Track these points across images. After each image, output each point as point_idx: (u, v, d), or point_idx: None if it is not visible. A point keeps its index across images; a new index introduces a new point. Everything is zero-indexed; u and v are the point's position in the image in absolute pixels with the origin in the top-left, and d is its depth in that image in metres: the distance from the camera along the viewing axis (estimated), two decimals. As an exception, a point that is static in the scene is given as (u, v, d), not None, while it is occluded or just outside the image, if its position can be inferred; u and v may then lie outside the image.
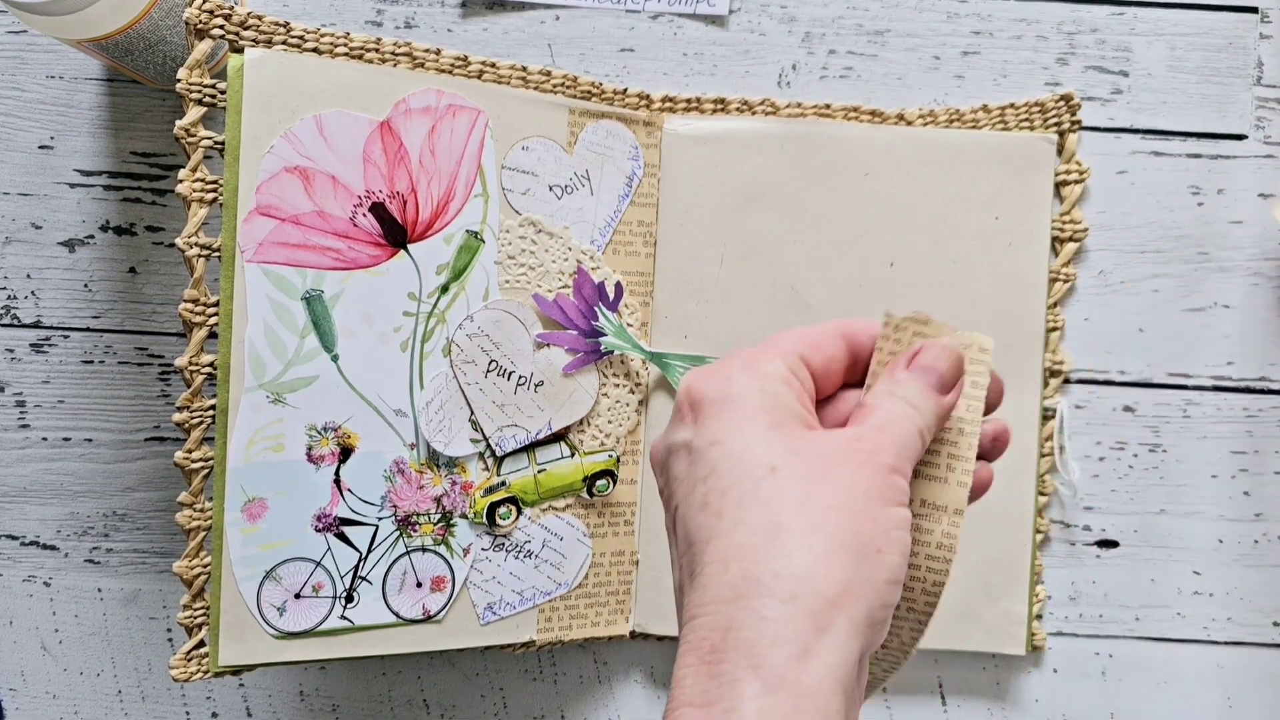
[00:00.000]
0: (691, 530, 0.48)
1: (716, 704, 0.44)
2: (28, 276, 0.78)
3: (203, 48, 0.64)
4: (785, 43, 0.78)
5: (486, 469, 0.71)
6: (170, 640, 0.79)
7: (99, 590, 0.79)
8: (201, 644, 0.67)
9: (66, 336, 0.78)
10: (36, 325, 0.78)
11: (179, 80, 0.64)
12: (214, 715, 0.80)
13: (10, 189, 0.78)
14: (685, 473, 0.50)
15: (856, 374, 0.53)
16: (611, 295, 0.73)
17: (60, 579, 0.79)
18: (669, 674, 0.79)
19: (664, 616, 0.77)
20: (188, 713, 0.80)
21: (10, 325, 0.78)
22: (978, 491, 0.54)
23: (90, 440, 0.78)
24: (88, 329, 0.78)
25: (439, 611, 0.70)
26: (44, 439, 0.78)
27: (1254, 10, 0.77)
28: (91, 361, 0.78)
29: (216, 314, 0.65)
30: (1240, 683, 0.79)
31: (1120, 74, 0.78)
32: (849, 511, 0.47)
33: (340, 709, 0.80)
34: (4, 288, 0.78)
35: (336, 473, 0.67)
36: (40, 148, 0.78)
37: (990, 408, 0.53)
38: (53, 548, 0.79)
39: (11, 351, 0.78)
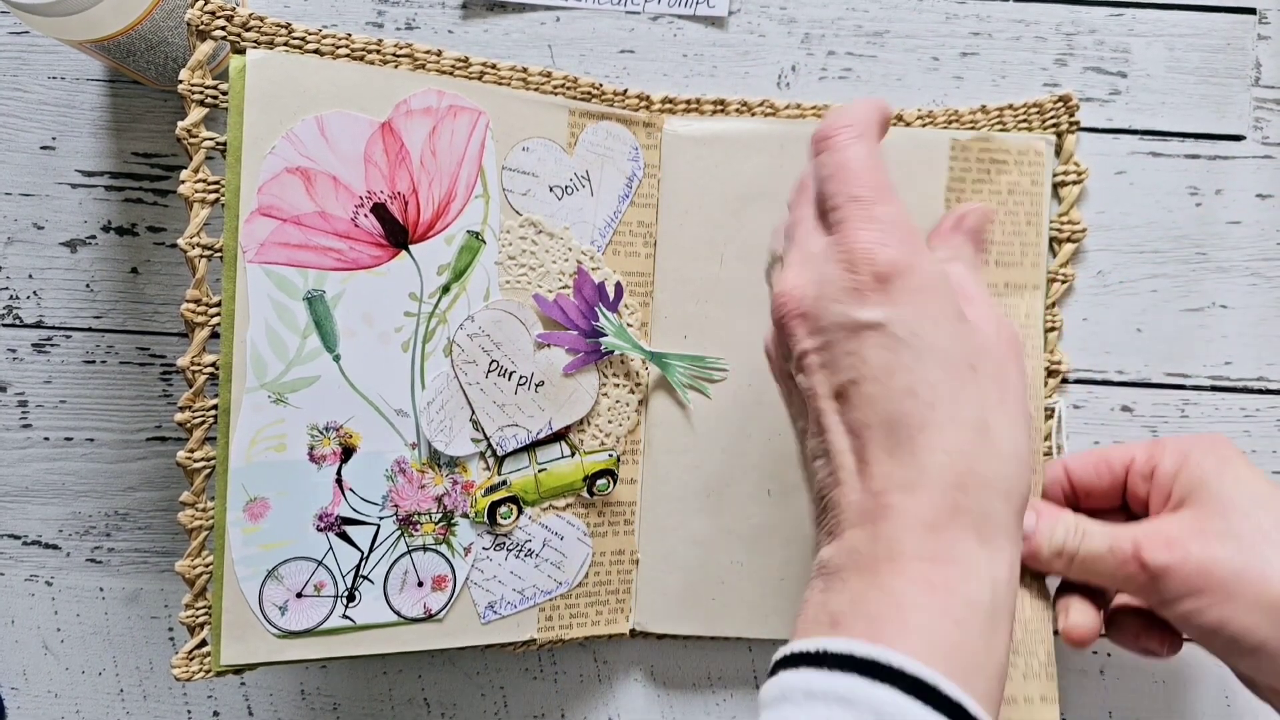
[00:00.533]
0: (894, 412, 0.51)
1: (950, 562, 0.50)
2: (30, 276, 0.78)
3: (204, 49, 0.64)
4: (785, 44, 0.78)
5: (487, 468, 0.71)
6: (172, 639, 0.80)
7: (101, 589, 0.79)
8: (203, 643, 0.67)
9: (68, 336, 0.78)
10: (38, 325, 0.78)
11: (181, 81, 0.64)
12: (215, 714, 0.80)
13: (12, 189, 0.78)
14: (879, 355, 0.52)
15: None
16: (611, 295, 0.74)
17: (62, 578, 0.79)
18: (669, 672, 0.80)
19: (663, 615, 0.77)
20: (189, 712, 0.80)
21: (12, 325, 0.78)
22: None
23: (92, 440, 0.79)
24: (89, 329, 0.78)
25: (440, 610, 0.70)
26: (46, 439, 0.79)
27: (1252, 11, 0.78)
28: (93, 361, 0.78)
29: (218, 314, 0.65)
30: (1239, 682, 0.79)
31: (1119, 75, 0.78)
32: (1025, 410, 0.54)
33: (341, 708, 0.80)
34: (6, 288, 0.78)
35: (338, 472, 0.67)
36: (42, 148, 0.78)
37: None
38: (54, 547, 0.79)
39: (14, 351, 0.78)
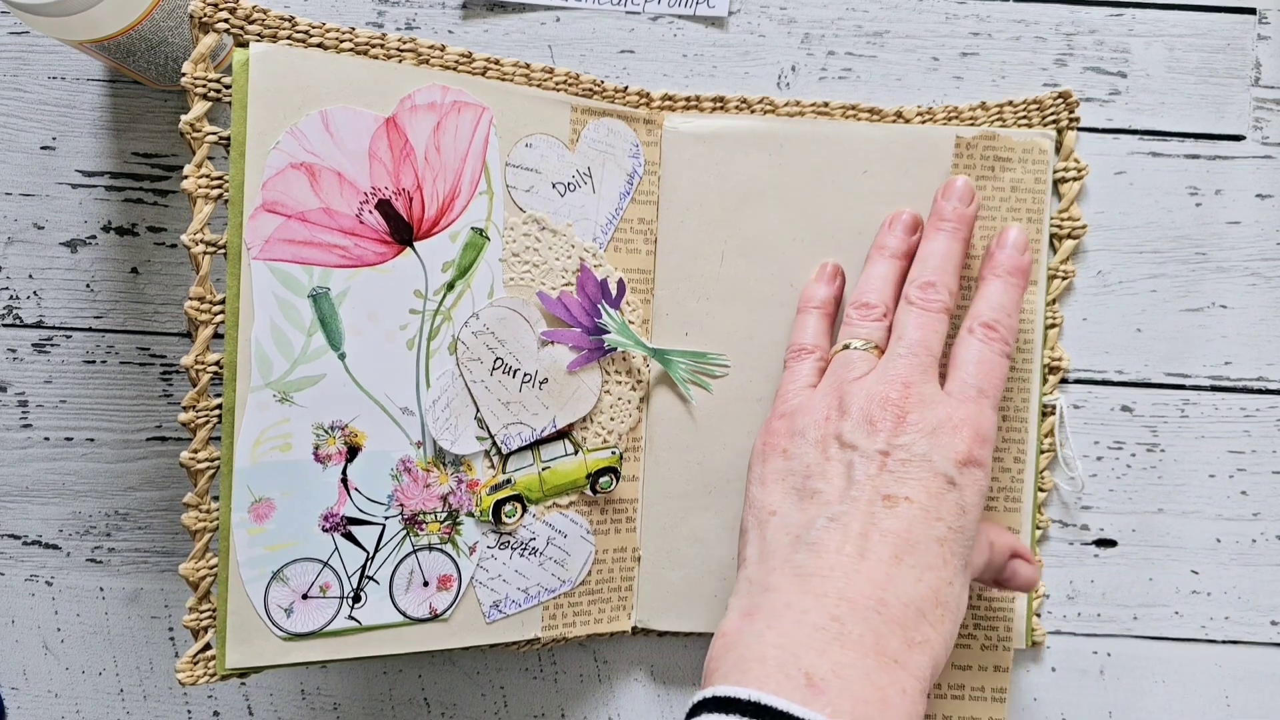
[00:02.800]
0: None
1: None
2: (30, 277, 0.78)
3: (207, 41, 0.63)
4: (785, 44, 0.79)
5: (492, 467, 0.71)
6: (172, 639, 0.79)
7: (101, 589, 0.79)
8: (207, 646, 0.67)
9: (69, 336, 0.78)
10: (39, 325, 0.78)
11: (184, 75, 0.63)
12: (215, 714, 0.80)
13: (12, 189, 0.78)
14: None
15: None
16: (614, 293, 0.74)
17: (62, 578, 0.79)
18: (669, 672, 0.80)
19: (666, 612, 0.77)
20: (189, 711, 0.80)
21: (12, 325, 0.78)
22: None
23: (92, 440, 0.78)
24: (90, 329, 0.78)
25: (445, 610, 0.70)
26: (46, 439, 0.78)
27: (1252, 11, 0.78)
28: (93, 361, 0.78)
29: (222, 312, 0.65)
30: (1238, 681, 0.80)
31: (1118, 75, 0.78)
32: None
33: (341, 707, 0.80)
34: (6, 288, 0.78)
35: (343, 472, 0.67)
36: (42, 148, 0.78)
37: None
38: (55, 547, 0.79)
39: (14, 351, 0.78)
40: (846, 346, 0.69)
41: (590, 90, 0.74)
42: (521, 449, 0.72)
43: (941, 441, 0.63)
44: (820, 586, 0.59)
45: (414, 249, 0.68)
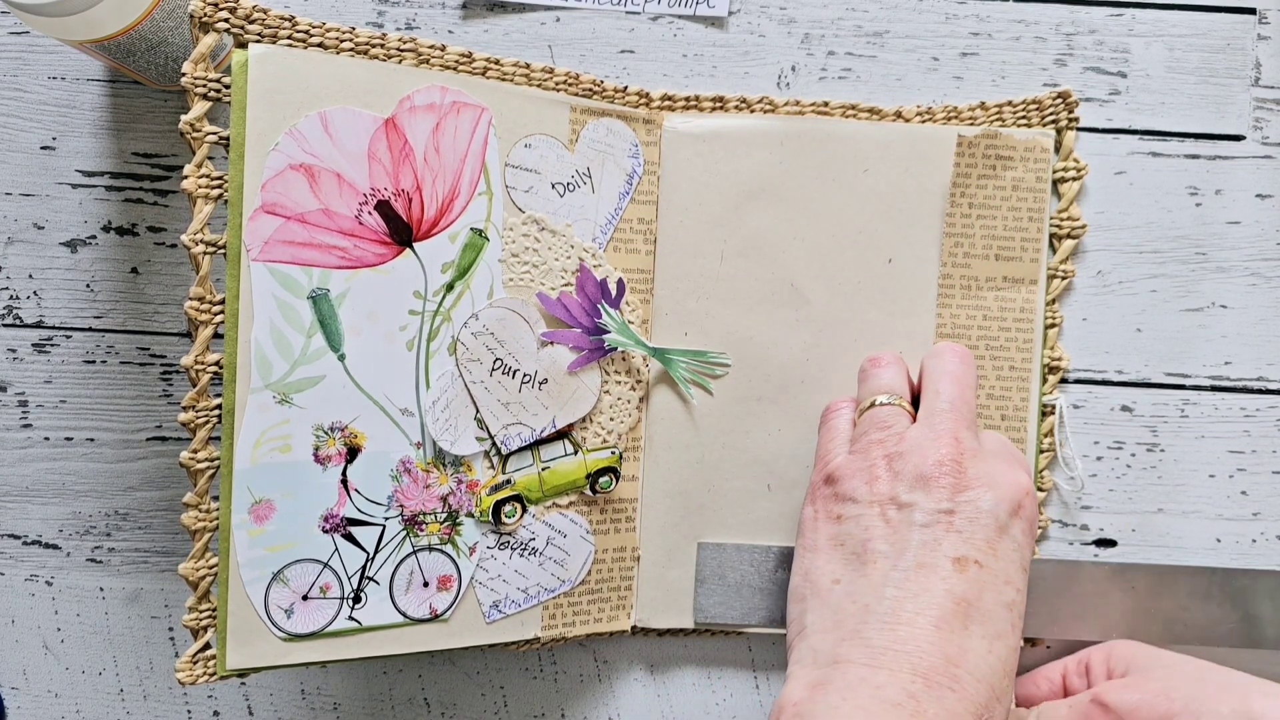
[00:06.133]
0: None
1: None
2: (30, 277, 0.78)
3: (207, 41, 0.63)
4: (784, 44, 0.79)
5: (492, 467, 0.71)
6: (172, 639, 0.80)
7: (101, 589, 0.79)
8: (207, 646, 0.67)
9: (69, 336, 0.78)
10: (39, 325, 0.78)
11: (184, 74, 0.63)
12: (215, 714, 0.80)
13: (12, 189, 0.78)
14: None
15: None
16: (614, 293, 0.74)
17: (62, 578, 0.79)
18: (669, 671, 0.80)
19: (664, 611, 0.77)
20: (189, 711, 0.80)
21: (12, 325, 0.78)
22: None
23: (92, 440, 0.78)
24: (90, 329, 0.78)
25: (446, 610, 0.70)
26: (46, 439, 0.78)
27: (1252, 11, 0.78)
28: (93, 361, 0.78)
29: (221, 313, 0.65)
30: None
31: (1118, 75, 0.78)
32: None
33: (341, 707, 0.80)
34: (6, 288, 0.78)
35: (343, 473, 0.67)
36: (42, 148, 0.78)
37: None
38: (55, 547, 0.79)
39: (14, 351, 0.78)
40: (873, 404, 0.69)
41: (590, 90, 0.74)
42: (521, 449, 0.72)
43: (1001, 495, 0.63)
44: (894, 661, 0.58)
45: (413, 250, 0.67)
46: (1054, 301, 0.78)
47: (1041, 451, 0.78)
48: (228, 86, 0.64)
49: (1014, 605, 0.61)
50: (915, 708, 0.56)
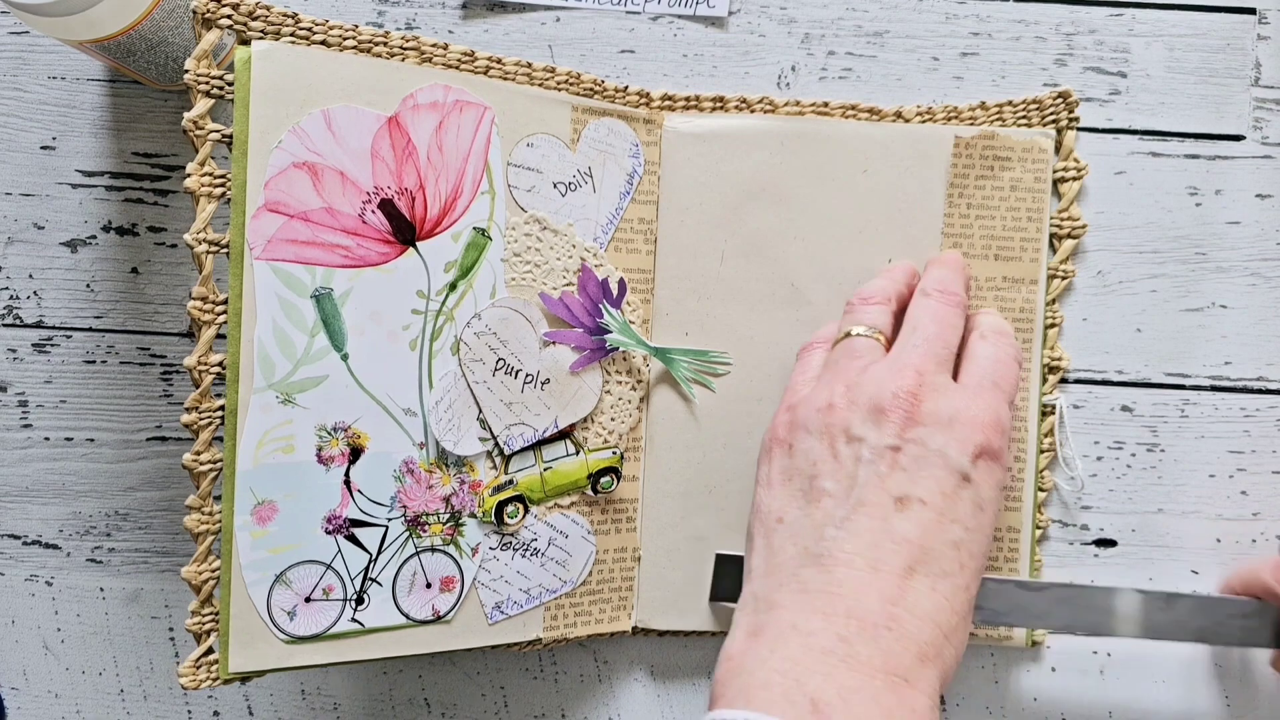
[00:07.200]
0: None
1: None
2: (30, 277, 0.78)
3: (210, 38, 0.63)
4: (785, 44, 0.79)
5: (494, 468, 0.71)
6: (172, 639, 0.79)
7: (101, 589, 0.79)
8: (210, 650, 0.66)
9: (69, 336, 0.78)
10: (39, 325, 0.78)
11: (186, 71, 0.63)
12: (216, 714, 0.80)
13: (12, 189, 0.78)
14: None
15: None
16: (615, 292, 0.74)
17: (62, 578, 0.79)
18: (669, 672, 0.80)
19: (666, 612, 0.77)
20: (189, 711, 0.80)
21: (12, 325, 0.78)
22: None
23: (92, 440, 0.78)
24: (90, 329, 0.78)
25: (448, 612, 0.70)
26: (46, 439, 0.78)
27: (1252, 11, 0.78)
28: (94, 361, 0.78)
29: (224, 312, 0.64)
30: (1238, 681, 0.80)
31: (1118, 75, 0.78)
32: None
33: (341, 707, 0.80)
34: (6, 288, 0.78)
35: (346, 473, 0.67)
36: (42, 148, 0.78)
37: None
38: (55, 547, 0.79)
39: (14, 351, 0.78)
40: (849, 334, 0.69)
41: (590, 90, 0.74)
42: (523, 449, 0.72)
43: (957, 434, 0.61)
44: (828, 605, 0.58)
45: (416, 249, 0.67)
46: (1054, 301, 0.78)
47: (1041, 451, 0.78)
48: (230, 84, 0.64)
49: (961, 544, 0.60)
50: (847, 651, 0.56)
